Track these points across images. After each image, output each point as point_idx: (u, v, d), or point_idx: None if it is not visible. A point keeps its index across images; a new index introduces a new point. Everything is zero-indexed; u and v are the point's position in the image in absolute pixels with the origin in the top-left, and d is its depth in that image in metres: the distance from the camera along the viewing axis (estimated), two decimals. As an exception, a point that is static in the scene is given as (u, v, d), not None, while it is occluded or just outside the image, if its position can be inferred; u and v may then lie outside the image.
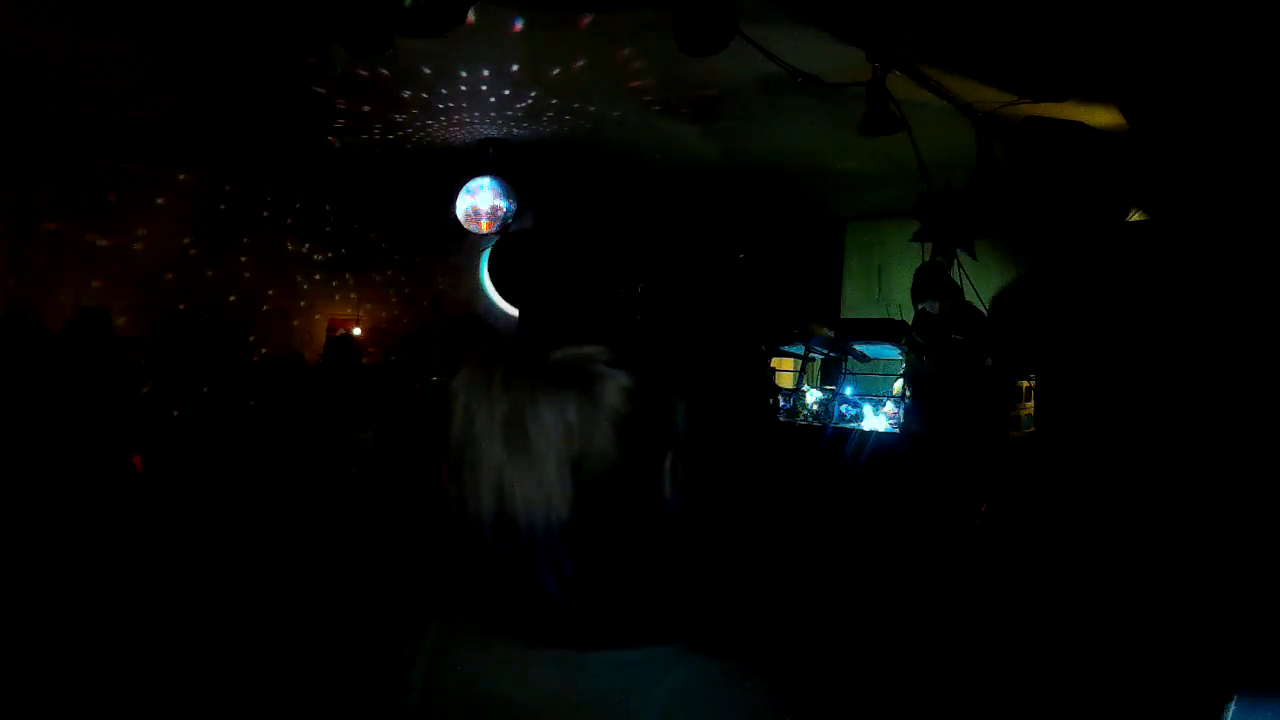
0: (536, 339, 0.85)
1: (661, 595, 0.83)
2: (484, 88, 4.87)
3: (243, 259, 7.11)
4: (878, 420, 5.38)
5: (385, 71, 4.61)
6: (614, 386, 0.81)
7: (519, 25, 3.91)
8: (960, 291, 4.91)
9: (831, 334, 5.72)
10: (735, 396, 4.83)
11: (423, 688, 0.90)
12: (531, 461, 0.79)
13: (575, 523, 0.79)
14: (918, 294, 4.89)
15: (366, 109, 5.30)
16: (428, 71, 4.62)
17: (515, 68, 4.52)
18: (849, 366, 5.85)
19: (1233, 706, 1.15)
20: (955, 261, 4.90)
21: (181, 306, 6.76)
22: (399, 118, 5.48)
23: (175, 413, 4.26)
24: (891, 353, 5.72)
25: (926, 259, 4.94)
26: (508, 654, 0.83)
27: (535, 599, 0.80)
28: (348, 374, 4.69)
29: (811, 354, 5.85)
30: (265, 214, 7.16)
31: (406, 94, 5.00)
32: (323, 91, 4.94)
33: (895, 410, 5.36)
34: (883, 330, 5.64)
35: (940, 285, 4.83)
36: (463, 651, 0.88)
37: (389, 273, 7.70)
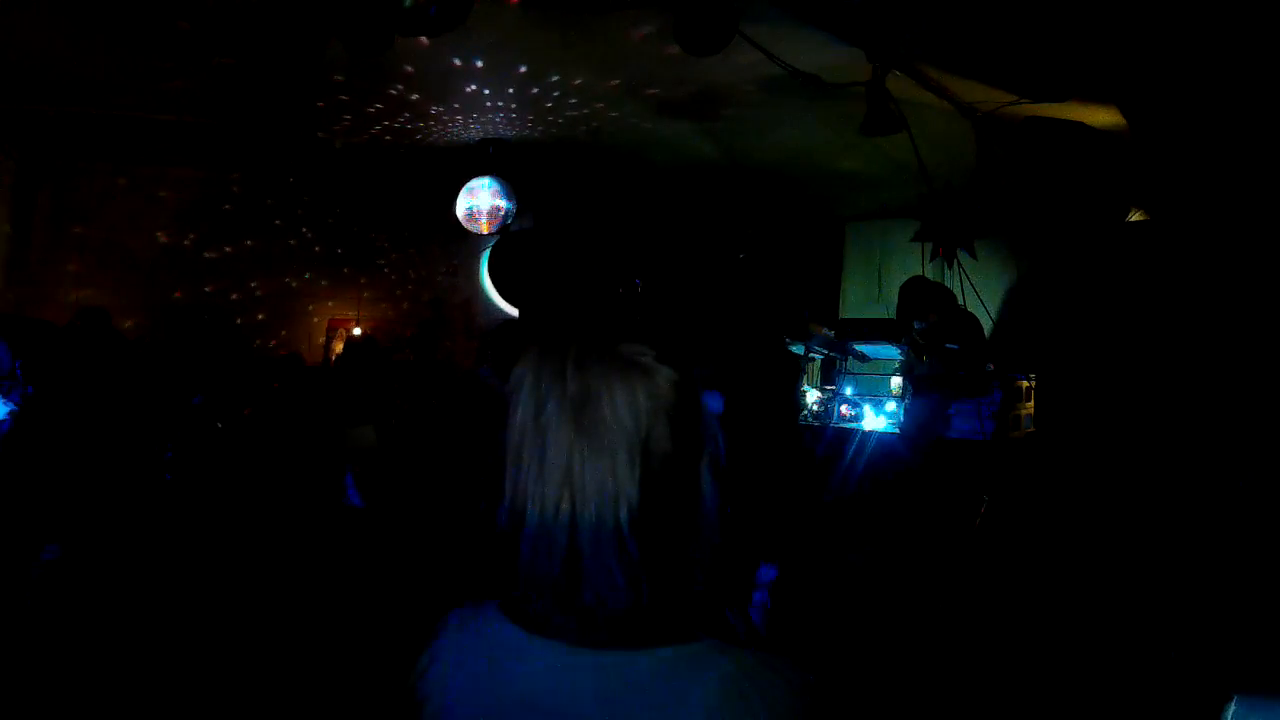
0: (596, 332, 0.86)
1: (699, 590, 0.84)
2: (484, 88, 4.87)
3: (243, 259, 7.11)
4: (878, 420, 5.38)
5: (386, 72, 4.61)
6: (666, 380, 0.83)
7: (519, 26, 3.91)
8: (952, 298, 4.88)
9: (831, 334, 5.72)
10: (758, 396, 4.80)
11: (441, 695, 0.87)
12: (602, 447, 0.80)
13: (641, 512, 0.79)
14: (905, 311, 4.84)
15: (367, 109, 5.30)
16: (428, 71, 4.62)
17: (516, 67, 4.52)
18: (849, 366, 5.85)
19: (1233, 706, 1.15)
20: (955, 262, 4.89)
21: (182, 306, 6.76)
22: (400, 118, 5.48)
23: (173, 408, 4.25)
24: (891, 353, 5.72)
25: (927, 259, 4.93)
26: (547, 656, 0.82)
27: (594, 589, 0.80)
28: (369, 376, 4.69)
29: (811, 354, 5.85)
30: (265, 214, 7.17)
31: (407, 94, 5.00)
32: (323, 92, 4.94)
33: (895, 410, 5.36)
34: (883, 330, 5.64)
35: (928, 298, 4.79)
36: (492, 656, 0.86)
37: (389, 272, 7.70)
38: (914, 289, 4.82)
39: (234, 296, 7.06)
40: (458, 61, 4.46)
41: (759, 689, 0.78)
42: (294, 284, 7.33)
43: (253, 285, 7.16)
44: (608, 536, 0.79)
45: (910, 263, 5.87)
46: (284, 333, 7.25)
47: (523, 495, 0.82)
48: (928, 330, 4.77)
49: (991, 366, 4.92)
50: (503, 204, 6.30)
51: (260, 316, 7.16)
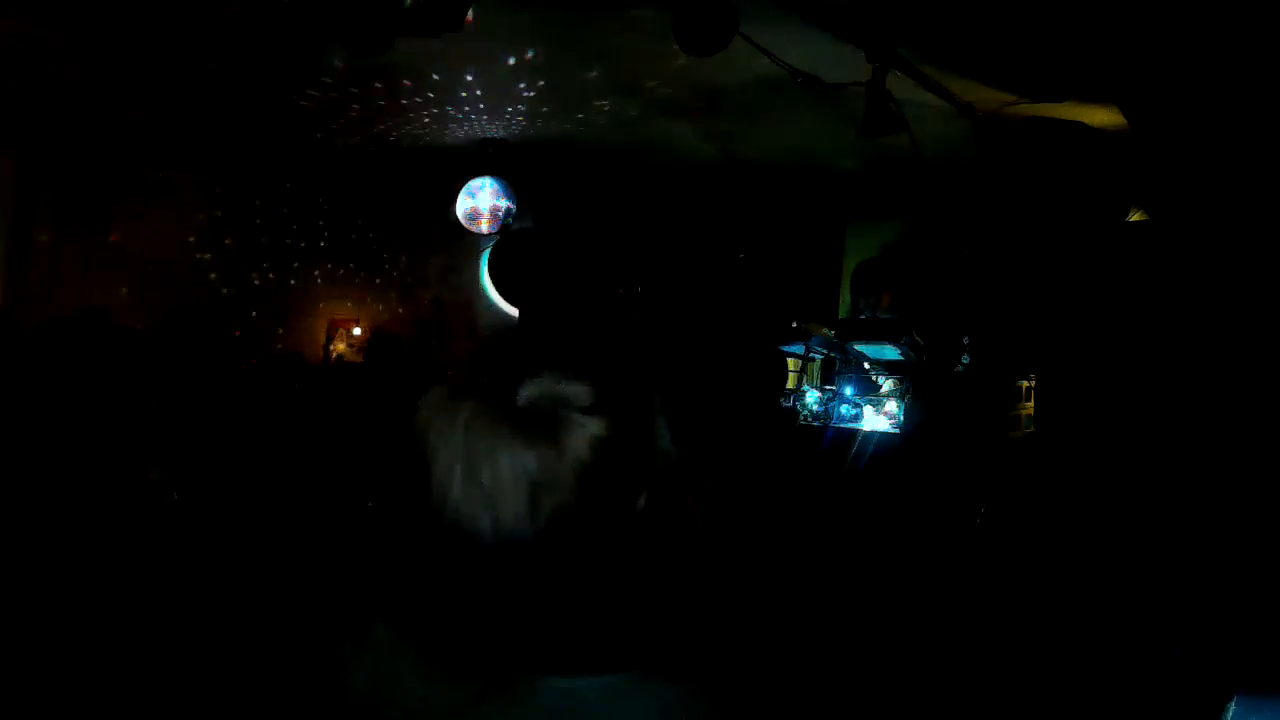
0: (505, 375, 0.82)
1: (620, 622, 0.81)
2: (484, 88, 4.87)
3: (243, 259, 7.11)
4: (878, 420, 5.37)
5: (385, 72, 4.61)
6: (582, 437, 0.78)
7: (519, 26, 3.91)
8: (914, 279, 4.86)
9: (831, 334, 5.72)
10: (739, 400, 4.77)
11: (366, 692, 0.86)
12: (487, 505, 0.77)
13: (531, 562, 0.77)
14: (854, 294, 4.85)
15: (366, 109, 5.30)
16: (428, 71, 4.62)
17: (515, 67, 4.52)
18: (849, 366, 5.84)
19: (1233, 706, 1.15)
20: (954, 261, 4.90)
21: (181, 307, 6.75)
22: (399, 118, 5.48)
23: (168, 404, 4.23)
24: (892, 353, 5.71)
25: (926, 258, 4.93)
26: (457, 678, 0.80)
27: (486, 631, 0.78)
28: (395, 376, 4.66)
29: (811, 354, 5.84)
30: (265, 214, 7.17)
31: (407, 94, 5.00)
32: (323, 93, 4.94)
33: (896, 410, 5.35)
34: (883, 330, 5.64)
35: (878, 279, 4.79)
36: (409, 671, 0.83)
37: (389, 273, 7.70)
38: (863, 271, 4.83)
39: (233, 296, 7.06)
40: (458, 61, 4.46)
41: None
42: (294, 284, 7.33)
43: (252, 285, 7.16)
44: (493, 583, 0.78)
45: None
46: (284, 333, 7.25)
47: (421, 532, 0.81)
48: (880, 317, 4.77)
49: (964, 364, 4.92)
50: (503, 204, 6.30)
51: (260, 317, 7.16)
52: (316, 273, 7.41)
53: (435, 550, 0.80)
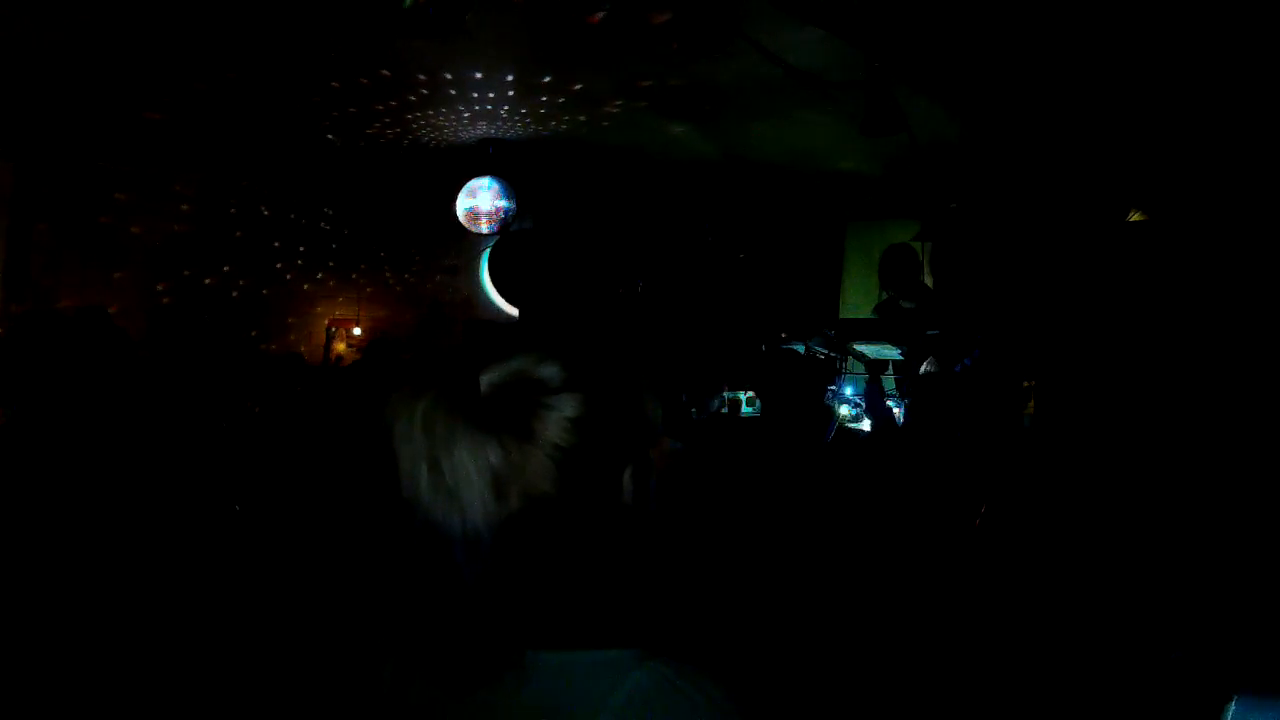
0: (471, 361, 0.79)
1: (616, 599, 0.80)
2: (484, 89, 4.87)
3: (243, 259, 7.11)
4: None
5: (385, 71, 4.61)
6: (556, 419, 0.76)
7: (519, 25, 3.91)
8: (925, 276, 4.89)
9: (832, 334, 5.72)
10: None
11: (358, 693, 0.87)
12: (453, 501, 0.75)
13: (506, 552, 0.76)
14: (885, 279, 4.87)
15: (367, 109, 5.30)
16: (428, 71, 4.62)
17: (515, 67, 4.52)
18: (849, 366, 5.85)
19: (1233, 706, 1.15)
20: (957, 260, 4.90)
21: (182, 307, 6.76)
22: (399, 118, 5.48)
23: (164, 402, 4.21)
24: (892, 353, 5.72)
25: (926, 258, 4.94)
26: (448, 672, 0.79)
27: (470, 618, 0.78)
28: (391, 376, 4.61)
29: (812, 353, 5.84)
30: (265, 214, 7.17)
31: (406, 94, 5.00)
32: (323, 93, 4.94)
33: (897, 410, 5.35)
34: (883, 330, 5.64)
35: (910, 266, 4.82)
36: (400, 669, 0.84)
37: (389, 273, 7.70)
38: (894, 256, 4.84)
39: (233, 296, 7.06)
40: (457, 61, 4.46)
41: (668, 707, 0.74)
42: (293, 284, 7.33)
43: (252, 286, 7.16)
44: (468, 572, 0.78)
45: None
46: (284, 333, 7.25)
47: (400, 527, 0.80)
48: (906, 309, 4.79)
49: (965, 363, 4.92)
50: (503, 204, 6.30)
51: (260, 316, 7.16)
52: (316, 273, 7.41)
53: (412, 546, 0.79)
